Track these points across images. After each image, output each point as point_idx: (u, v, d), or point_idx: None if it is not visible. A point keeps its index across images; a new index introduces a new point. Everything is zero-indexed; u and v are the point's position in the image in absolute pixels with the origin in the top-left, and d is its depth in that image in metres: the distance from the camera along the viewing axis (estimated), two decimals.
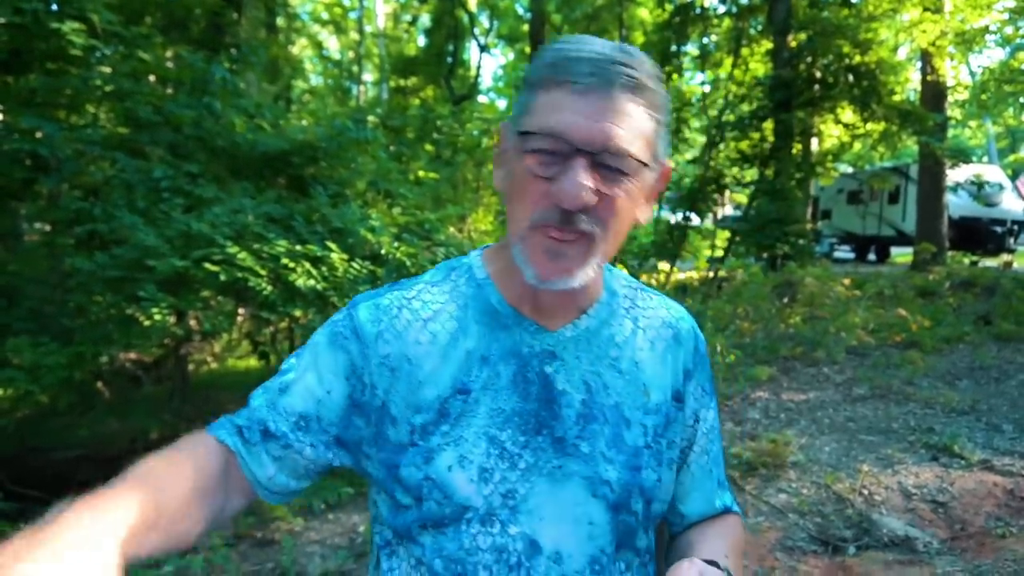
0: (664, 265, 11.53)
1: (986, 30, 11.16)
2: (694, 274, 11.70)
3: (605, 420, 0.84)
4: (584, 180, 0.72)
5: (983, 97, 12.70)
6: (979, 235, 13.93)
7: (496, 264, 0.88)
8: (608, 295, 0.90)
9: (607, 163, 0.74)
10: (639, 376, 0.88)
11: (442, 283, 0.89)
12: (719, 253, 12.06)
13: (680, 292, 9.47)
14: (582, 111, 0.73)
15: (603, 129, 0.73)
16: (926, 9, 10.21)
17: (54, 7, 4.44)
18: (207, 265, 3.74)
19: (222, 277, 3.74)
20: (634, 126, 0.74)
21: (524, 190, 0.76)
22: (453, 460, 0.80)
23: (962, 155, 11.62)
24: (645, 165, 0.77)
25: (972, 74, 15.04)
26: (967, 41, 11.12)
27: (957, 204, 13.18)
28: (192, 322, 5.44)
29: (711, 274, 10.75)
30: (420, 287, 0.89)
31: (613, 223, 0.77)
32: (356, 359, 0.84)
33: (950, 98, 12.01)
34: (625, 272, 0.97)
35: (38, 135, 4.20)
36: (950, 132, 13.28)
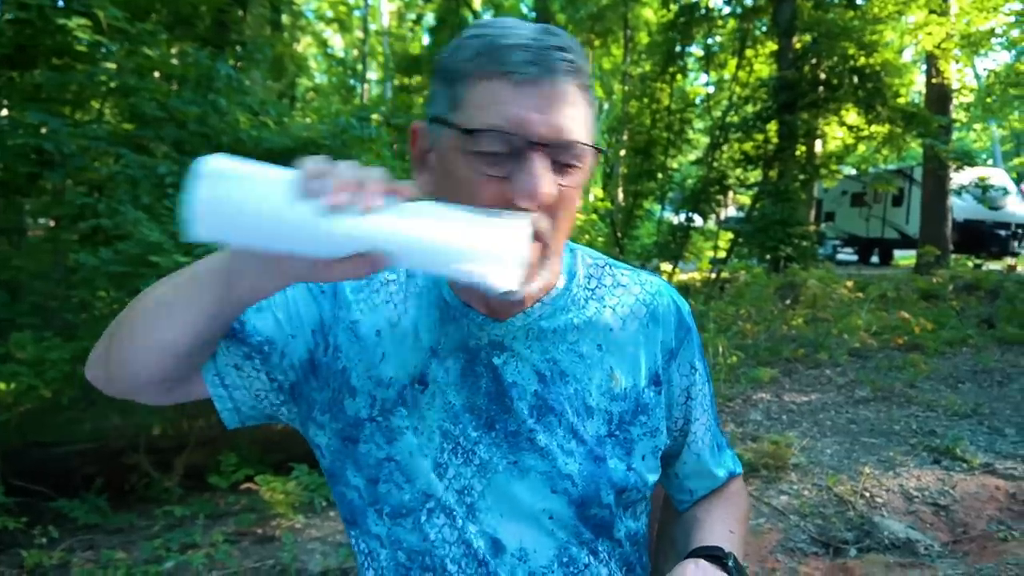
0: (667, 266, 11.53)
1: (992, 33, 11.14)
2: (696, 275, 11.69)
3: (563, 410, 0.81)
4: (545, 176, 0.68)
5: (988, 100, 12.68)
6: (983, 238, 13.91)
7: None
8: (567, 278, 0.85)
9: (560, 157, 0.70)
10: (604, 359, 0.84)
11: (417, 275, 0.87)
12: (722, 254, 12.07)
13: (682, 293, 9.44)
14: (530, 104, 0.68)
15: (554, 121, 0.69)
16: (932, 11, 10.19)
17: (60, 3, 4.45)
18: None
19: None
20: (580, 114, 0.71)
21: (471, 193, 0.69)
22: (414, 446, 0.79)
23: (967, 158, 11.57)
24: (599, 151, 0.74)
25: (977, 77, 14.99)
26: (973, 44, 11.10)
27: (961, 207, 13.14)
28: None
29: (714, 275, 10.74)
30: (400, 271, 0.87)
31: (565, 218, 0.74)
32: (327, 316, 0.82)
33: (955, 101, 11.97)
34: (591, 249, 0.92)
35: (43, 130, 4.21)
36: (955, 135, 13.27)
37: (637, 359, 0.85)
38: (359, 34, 24.55)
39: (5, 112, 4.79)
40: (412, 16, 24.77)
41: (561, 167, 0.71)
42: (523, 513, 0.79)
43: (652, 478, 0.86)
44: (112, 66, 4.74)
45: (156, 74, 5.33)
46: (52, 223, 5.42)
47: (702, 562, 0.77)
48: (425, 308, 0.83)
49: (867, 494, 3.31)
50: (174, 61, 5.69)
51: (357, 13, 24.23)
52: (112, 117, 5.33)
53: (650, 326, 0.87)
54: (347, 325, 0.82)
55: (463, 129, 0.69)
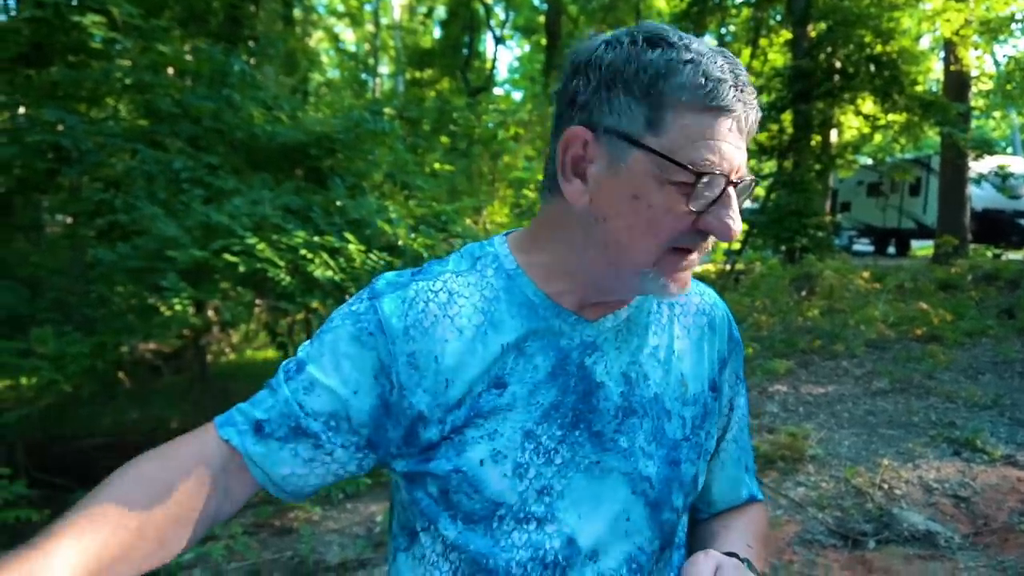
0: None
1: (1012, 19, 10.94)
2: (711, 266, 11.63)
3: (645, 413, 0.82)
4: (739, 215, 0.72)
5: (1008, 87, 12.46)
6: (1002, 227, 13.68)
7: (530, 256, 0.83)
8: None
9: (742, 195, 0.74)
10: (678, 366, 0.86)
11: (467, 273, 0.83)
12: (736, 245, 11.95)
13: None
14: (735, 141, 0.70)
15: (744, 159, 0.72)
16: None
17: (75, 1, 4.48)
18: (226, 256, 3.77)
19: (241, 268, 3.77)
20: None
21: (662, 221, 0.71)
22: (486, 454, 0.77)
23: (986, 146, 11.40)
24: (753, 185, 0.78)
25: (997, 64, 14.75)
26: (992, 30, 10.90)
27: (980, 196, 12.95)
28: (211, 313, 5.50)
29: (729, 267, 10.68)
30: (446, 277, 0.83)
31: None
32: (384, 357, 0.78)
33: (974, 88, 11.77)
34: None
35: (60, 127, 4.25)
36: (973, 123, 13.06)
37: (701, 365, 0.88)
38: (371, 28, 24.58)
39: (22, 110, 4.84)
40: (423, 9, 24.74)
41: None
42: (601, 513, 0.80)
43: (702, 480, 0.90)
44: (127, 63, 4.79)
45: (170, 70, 5.37)
46: (70, 220, 5.48)
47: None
48: (506, 307, 0.81)
49: (886, 486, 3.28)
50: (188, 57, 5.72)
51: (368, 7, 24.27)
52: (127, 113, 5.38)
53: (709, 335, 0.90)
54: (405, 359, 0.79)
55: (678, 164, 0.68)
